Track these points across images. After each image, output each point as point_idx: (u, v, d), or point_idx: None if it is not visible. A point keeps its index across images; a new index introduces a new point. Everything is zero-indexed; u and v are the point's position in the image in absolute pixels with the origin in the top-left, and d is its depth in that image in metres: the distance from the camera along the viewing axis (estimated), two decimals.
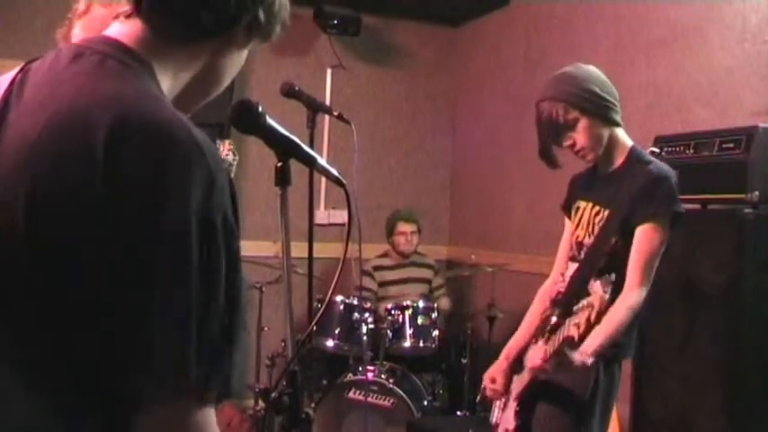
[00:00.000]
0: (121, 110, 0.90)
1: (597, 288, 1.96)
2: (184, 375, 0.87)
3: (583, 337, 1.96)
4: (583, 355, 2.01)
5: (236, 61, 1.11)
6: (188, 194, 0.88)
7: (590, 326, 1.94)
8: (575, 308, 2.03)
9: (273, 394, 1.23)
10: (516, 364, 2.42)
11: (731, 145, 2.75)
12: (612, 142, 2.32)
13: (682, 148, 2.94)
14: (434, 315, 4.27)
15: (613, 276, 2.01)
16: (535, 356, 2.11)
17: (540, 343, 2.23)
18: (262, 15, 1.05)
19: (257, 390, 3.37)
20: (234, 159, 2.92)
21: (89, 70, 0.96)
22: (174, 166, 0.88)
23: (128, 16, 1.03)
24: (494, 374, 2.47)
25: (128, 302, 0.87)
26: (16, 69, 1.05)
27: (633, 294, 2.17)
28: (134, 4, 1.01)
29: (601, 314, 1.94)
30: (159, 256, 0.87)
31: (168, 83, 1.03)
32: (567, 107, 2.25)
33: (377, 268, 4.85)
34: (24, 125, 0.95)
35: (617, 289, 2.15)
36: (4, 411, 0.94)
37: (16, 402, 0.93)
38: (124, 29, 1.03)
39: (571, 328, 1.98)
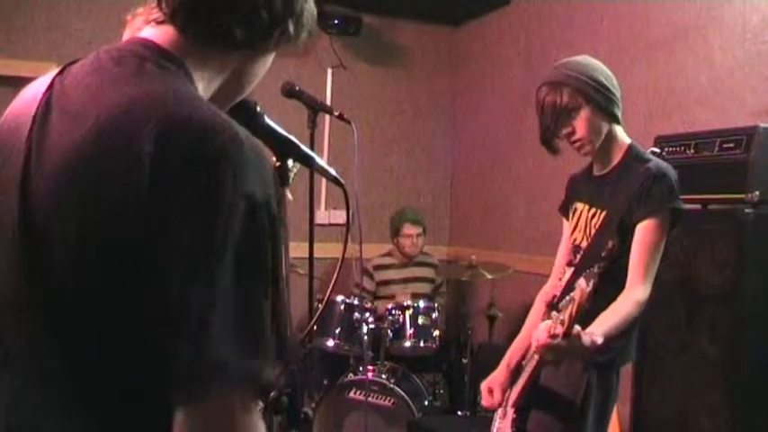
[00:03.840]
0: (165, 112, 0.90)
1: (580, 282, 1.91)
2: (238, 374, 0.88)
3: (567, 334, 1.90)
4: (593, 334, 1.94)
5: (263, 65, 1.13)
6: (237, 192, 0.88)
7: (573, 321, 1.88)
8: (560, 304, 1.98)
9: (272, 394, 1.23)
10: (516, 373, 2.37)
11: (731, 145, 2.75)
12: (611, 139, 2.27)
13: (682, 148, 2.94)
14: (435, 315, 4.27)
15: (596, 268, 1.96)
16: (541, 333, 1.99)
17: (544, 324, 2.10)
18: (291, 27, 1.07)
19: None
20: (294, 164, 2.91)
21: (129, 74, 0.97)
22: (221, 165, 0.88)
23: (160, 22, 1.04)
24: (491, 385, 2.42)
25: (177, 303, 0.87)
26: (55, 71, 1.06)
27: (638, 290, 2.11)
28: (169, 15, 1.02)
29: (582, 307, 1.86)
30: (210, 256, 0.87)
31: (202, 86, 1.05)
32: (572, 92, 2.18)
33: (378, 267, 4.85)
34: (69, 128, 0.95)
35: (616, 292, 2.12)
36: (49, 420, 0.95)
37: (60, 410, 0.94)
38: (159, 33, 1.03)
39: (557, 326, 1.92)
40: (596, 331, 1.97)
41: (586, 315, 1.96)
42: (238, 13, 1.01)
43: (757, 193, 2.64)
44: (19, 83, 1.10)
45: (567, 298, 1.95)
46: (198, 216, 0.87)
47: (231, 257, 0.87)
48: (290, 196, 1.37)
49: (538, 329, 2.04)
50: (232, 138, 0.91)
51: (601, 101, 2.20)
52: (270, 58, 1.13)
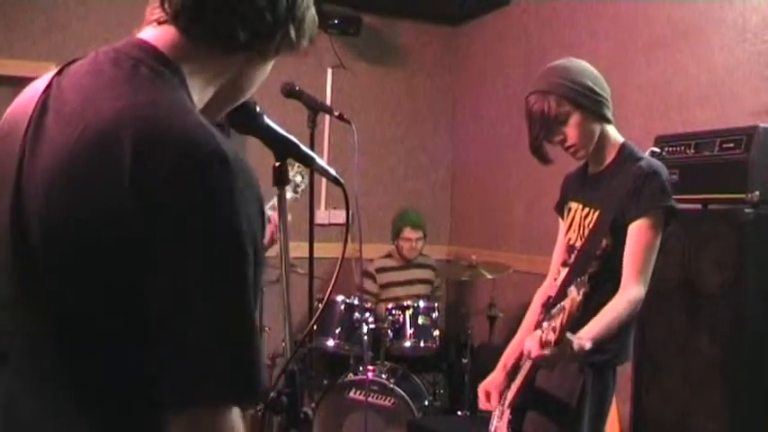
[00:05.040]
0: (152, 122, 0.91)
1: (572, 291, 1.91)
2: (217, 379, 0.88)
3: (558, 342, 1.91)
4: (581, 339, 1.96)
5: (263, 71, 1.13)
6: (213, 206, 0.89)
7: (563, 329, 1.90)
8: (552, 311, 1.98)
9: (272, 394, 1.23)
10: (513, 373, 2.37)
11: (731, 145, 2.75)
12: (603, 139, 2.26)
13: (682, 148, 2.94)
14: (435, 315, 4.27)
15: (587, 278, 1.94)
16: (533, 345, 2.04)
17: (536, 333, 2.14)
18: (293, 32, 1.07)
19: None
20: (302, 181, 2.91)
21: (123, 77, 0.97)
22: (200, 179, 0.89)
23: (161, 22, 1.03)
24: (488, 388, 2.41)
25: (159, 308, 0.88)
26: (53, 72, 1.06)
27: (632, 290, 2.11)
28: (172, 16, 1.02)
29: (572, 316, 1.88)
30: (188, 266, 0.88)
31: (198, 90, 1.04)
32: (559, 100, 2.16)
33: (380, 270, 4.85)
34: (62, 130, 0.95)
35: (611, 291, 2.12)
36: (46, 421, 0.95)
37: (58, 411, 0.95)
38: (159, 34, 1.03)
39: (549, 333, 1.94)
40: (587, 335, 1.99)
41: (579, 318, 1.96)
42: (242, 16, 1.01)
43: (757, 193, 2.64)
44: (19, 83, 1.10)
45: (559, 306, 1.95)
46: (181, 226, 0.88)
47: (216, 268, 0.88)
48: (289, 217, 1.37)
49: (529, 339, 2.06)
50: (215, 152, 0.91)
51: (589, 105, 2.19)
52: (269, 64, 1.13)
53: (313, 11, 1.11)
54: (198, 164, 0.89)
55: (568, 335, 1.93)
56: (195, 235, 0.88)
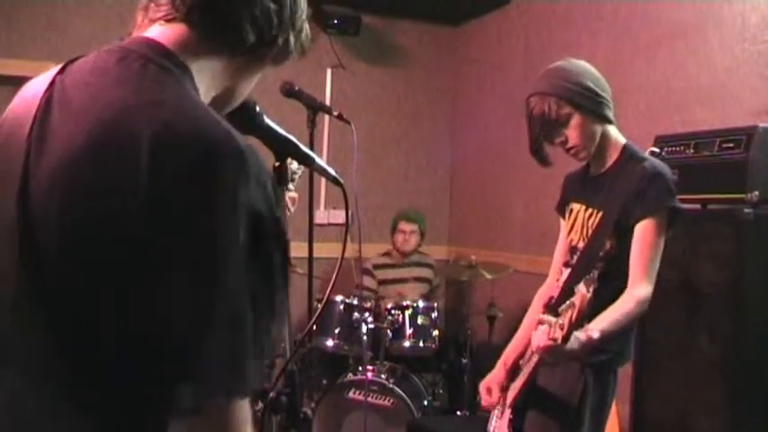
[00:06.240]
0: (166, 120, 0.90)
1: (581, 287, 1.90)
2: (232, 378, 0.88)
3: (566, 338, 1.90)
4: (589, 330, 1.94)
5: (255, 79, 1.14)
6: (232, 200, 0.89)
7: (572, 326, 1.89)
8: (560, 308, 1.97)
9: (271, 394, 1.23)
10: (513, 372, 2.37)
11: (731, 145, 2.75)
12: (605, 140, 2.25)
13: (682, 148, 2.94)
14: (434, 315, 4.28)
15: (596, 274, 1.93)
16: (540, 338, 2.01)
17: (543, 327, 2.10)
18: (292, 39, 1.09)
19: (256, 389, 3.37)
20: (299, 168, 2.92)
21: (132, 75, 0.97)
22: (217, 173, 0.89)
23: (169, 20, 1.03)
24: (489, 384, 2.41)
25: (172, 305, 0.87)
26: (56, 69, 1.05)
27: (639, 288, 2.10)
28: (185, 12, 1.02)
29: (582, 313, 1.87)
30: (205, 260, 0.87)
31: (203, 91, 1.04)
32: (559, 102, 2.16)
33: (377, 266, 4.87)
34: (70, 129, 0.95)
35: (617, 291, 2.11)
36: (47, 421, 0.95)
37: (59, 412, 0.94)
38: (166, 32, 1.03)
39: (556, 330, 1.92)
40: (596, 326, 1.97)
41: (587, 316, 1.96)
42: (253, 15, 1.02)
43: (757, 192, 2.64)
44: (19, 83, 1.09)
45: (568, 303, 1.94)
46: (196, 224, 0.87)
47: (232, 263, 0.88)
48: (291, 208, 1.38)
49: (536, 333, 2.04)
50: (232, 148, 0.91)
51: (590, 106, 2.19)
52: (260, 72, 1.14)
53: (307, 25, 1.13)
54: (218, 160, 0.89)
55: (575, 333, 1.91)
56: (214, 229, 0.88)
